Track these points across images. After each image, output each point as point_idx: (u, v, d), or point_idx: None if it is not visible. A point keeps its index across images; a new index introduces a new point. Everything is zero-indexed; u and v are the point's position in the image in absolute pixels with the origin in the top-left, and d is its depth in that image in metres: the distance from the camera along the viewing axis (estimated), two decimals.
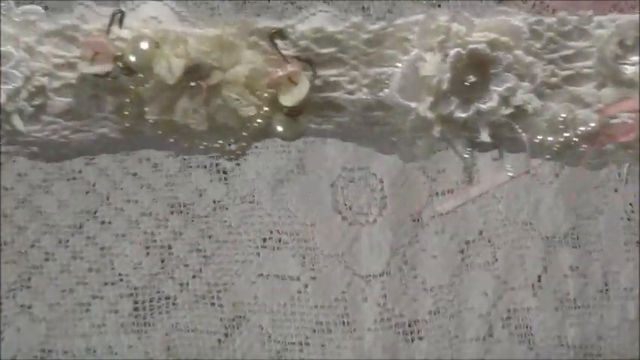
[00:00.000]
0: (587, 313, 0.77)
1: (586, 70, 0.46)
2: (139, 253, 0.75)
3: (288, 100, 0.43)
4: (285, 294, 0.75)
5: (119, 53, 0.43)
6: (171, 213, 0.76)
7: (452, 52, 0.43)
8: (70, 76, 0.44)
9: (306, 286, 0.75)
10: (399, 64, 0.44)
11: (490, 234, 0.77)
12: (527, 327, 0.76)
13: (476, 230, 0.77)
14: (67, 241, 0.75)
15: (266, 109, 0.44)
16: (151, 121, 0.44)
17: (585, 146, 0.46)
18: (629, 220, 0.78)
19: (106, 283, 0.75)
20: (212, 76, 0.44)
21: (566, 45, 0.46)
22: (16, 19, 0.44)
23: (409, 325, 0.76)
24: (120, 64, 0.43)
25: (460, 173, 0.77)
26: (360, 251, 0.76)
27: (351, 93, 0.45)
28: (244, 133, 0.45)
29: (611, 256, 0.77)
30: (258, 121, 0.44)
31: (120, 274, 0.75)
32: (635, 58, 0.45)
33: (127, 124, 0.44)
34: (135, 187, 0.75)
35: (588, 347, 0.77)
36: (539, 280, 0.77)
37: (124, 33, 0.44)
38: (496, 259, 0.77)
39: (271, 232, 0.76)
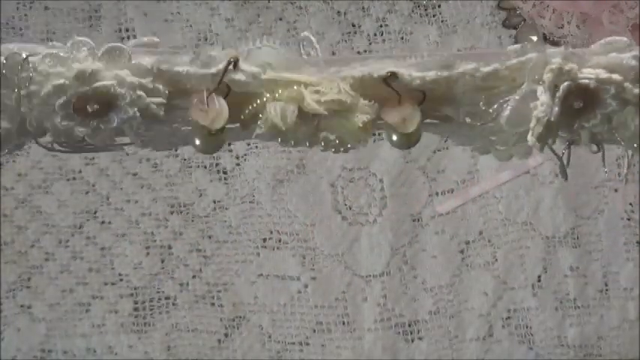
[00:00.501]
0: (587, 313, 0.77)
1: None
2: (139, 253, 0.75)
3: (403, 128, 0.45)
4: (285, 294, 0.75)
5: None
6: (171, 213, 0.76)
7: (562, 86, 0.44)
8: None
9: (306, 286, 0.75)
10: (509, 101, 0.45)
11: (490, 234, 0.77)
12: (527, 327, 0.76)
13: (476, 230, 0.77)
14: (67, 241, 0.75)
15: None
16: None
17: None
18: (629, 220, 0.78)
19: (106, 283, 0.75)
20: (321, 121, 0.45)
21: None
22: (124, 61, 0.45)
23: (409, 325, 0.76)
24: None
25: (460, 173, 0.77)
26: (360, 251, 0.76)
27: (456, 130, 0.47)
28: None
29: (611, 256, 0.77)
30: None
31: (120, 274, 0.75)
32: None
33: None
34: (135, 187, 0.75)
35: (588, 347, 0.77)
36: (539, 280, 0.77)
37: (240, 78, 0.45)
38: (496, 259, 0.77)
39: (271, 232, 0.76)
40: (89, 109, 0.43)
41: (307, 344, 0.75)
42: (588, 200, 0.78)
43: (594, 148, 0.47)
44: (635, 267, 0.77)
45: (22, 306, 0.74)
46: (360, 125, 0.45)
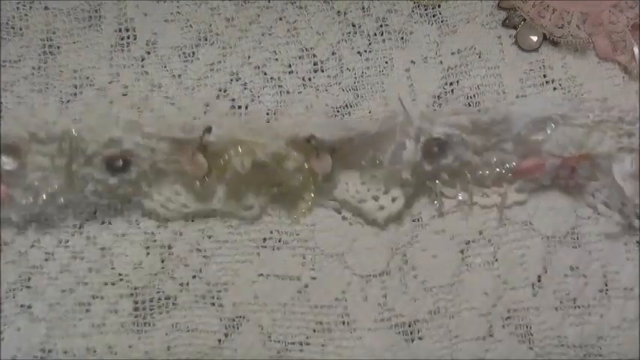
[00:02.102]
0: (587, 313, 0.77)
1: (507, 146, 0.75)
2: (139, 253, 0.75)
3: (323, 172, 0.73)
4: (285, 294, 0.75)
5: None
6: None
7: (422, 139, 0.73)
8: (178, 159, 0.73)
9: (306, 286, 0.75)
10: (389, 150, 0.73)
11: (490, 234, 0.77)
12: (527, 327, 0.76)
13: (476, 230, 0.77)
14: (67, 241, 0.75)
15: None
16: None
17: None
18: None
19: (106, 283, 0.75)
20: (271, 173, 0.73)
21: (492, 131, 0.74)
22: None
23: (409, 325, 0.76)
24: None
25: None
26: (360, 251, 0.76)
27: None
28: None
29: (611, 256, 0.77)
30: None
31: (120, 274, 0.75)
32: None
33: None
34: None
35: (588, 347, 0.77)
36: (539, 280, 0.77)
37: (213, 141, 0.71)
38: (496, 259, 0.77)
39: (271, 232, 0.76)
40: (117, 165, 0.71)
41: (307, 344, 0.75)
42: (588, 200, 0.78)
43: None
44: (635, 267, 0.77)
45: (22, 306, 0.74)
46: (292, 170, 0.71)
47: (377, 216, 0.75)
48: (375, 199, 0.75)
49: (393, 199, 0.75)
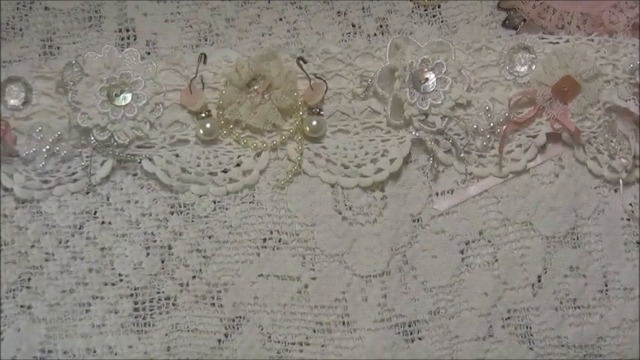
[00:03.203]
0: (587, 313, 0.77)
1: (496, 78, 0.77)
2: (139, 253, 0.75)
3: (312, 101, 0.75)
4: (285, 294, 0.75)
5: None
6: (171, 213, 0.76)
7: (409, 61, 0.75)
8: (176, 98, 0.75)
9: (306, 286, 0.75)
10: (378, 71, 0.76)
11: (490, 234, 0.77)
12: (527, 327, 0.76)
13: (476, 230, 0.77)
14: (67, 241, 0.75)
15: (299, 110, 0.75)
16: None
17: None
18: (629, 220, 0.78)
19: (106, 283, 0.75)
20: (264, 83, 0.74)
21: (479, 60, 0.77)
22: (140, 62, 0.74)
23: (409, 325, 0.76)
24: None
25: (460, 173, 0.77)
26: (360, 251, 0.76)
27: (350, 100, 0.77)
28: (290, 130, 0.75)
29: (611, 256, 0.77)
30: (296, 116, 0.75)
31: (120, 274, 0.75)
32: (522, 69, 0.76)
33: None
34: (135, 187, 0.75)
35: (588, 347, 0.77)
36: (539, 280, 0.77)
37: (209, 68, 0.75)
38: (496, 259, 0.77)
39: (271, 232, 0.76)
40: (117, 93, 0.73)
41: (307, 344, 0.75)
42: (588, 200, 0.78)
43: None
44: (635, 267, 0.77)
45: (22, 306, 0.74)
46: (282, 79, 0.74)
47: (376, 178, 0.75)
48: (374, 162, 0.75)
49: (391, 161, 0.75)
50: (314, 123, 0.74)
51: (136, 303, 0.75)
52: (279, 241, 0.76)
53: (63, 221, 0.75)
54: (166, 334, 0.75)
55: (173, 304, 0.75)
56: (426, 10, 0.82)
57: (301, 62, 0.74)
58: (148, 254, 0.75)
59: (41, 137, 0.73)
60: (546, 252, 0.77)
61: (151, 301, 0.75)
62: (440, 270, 0.76)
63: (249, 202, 0.76)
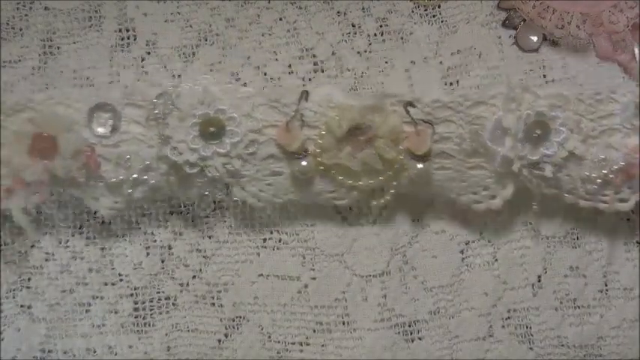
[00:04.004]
0: (587, 313, 0.77)
1: (616, 126, 0.72)
2: (139, 253, 0.75)
3: (418, 149, 0.70)
4: (285, 294, 0.75)
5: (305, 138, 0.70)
6: (171, 213, 0.76)
7: (525, 113, 0.69)
8: (272, 133, 0.71)
9: (306, 286, 0.75)
10: (490, 122, 0.70)
11: (490, 234, 0.77)
12: (527, 327, 0.76)
13: (476, 230, 0.77)
14: (67, 241, 0.75)
15: (401, 157, 0.70)
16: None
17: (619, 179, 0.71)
18: (629, 220, 0.78)
19: (106, 283, 0.75)
20: (367, 132, 0.70)
21: (600, 109, 0.72)
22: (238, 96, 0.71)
23: (409, 325, 0.76)
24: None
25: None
26: (360, 251, 0.76)
27: (458, 145, 0.71)
28: (388, 172, 0.71)
29: (611, 256, 0.77)
30: (398, 164, 0.70)
31: (120, 274, 0.75)
32: None
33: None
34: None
35: (588, 347, 0.77)
36: (539, 280, 0.77)
37: (310, 106, 0.71)
38: (496, 259, 0.77)
39: (271, 232, 0.76)
40: (211, 130, 0.69)
41: (307, 344, 0.75)
42: None
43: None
44: (635, 267, 0.77)
45: (22, 306, 0.74)
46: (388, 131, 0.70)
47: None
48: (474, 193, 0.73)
49: (491, 197, 0.73)
50: (416, 170, 0.70)
51: (136, 303, 0.75)
52: (279, 241, 0.76)
53: (63, 221, 0.75)
54: (166, 334, 0.75)
55: (173, 304, 0.75)
56: (426, 10, 0.81)
57: (409, 107, 0.70)
58: (147, 254, 0.75)
59: (129, 165, 0.70)
60: (546, 252, 0.77)
61: (151, 301, 0.75)
62: (440, 270, 0.76)
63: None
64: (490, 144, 0.70)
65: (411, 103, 0.70)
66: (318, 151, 0.70)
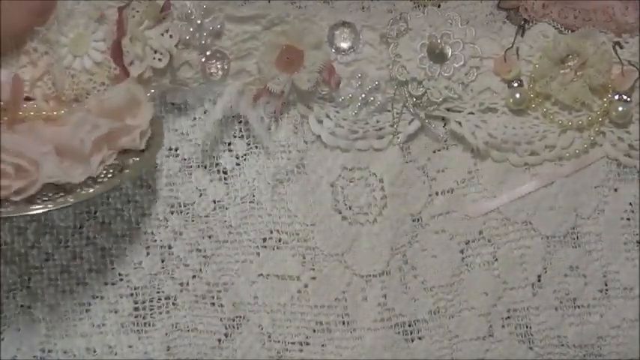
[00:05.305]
0: (587, 313, 0.77)
1: None
2: (139, 253, 0.75)
3: (621, 88, 0.75)
4: (285, 294, 0.75)
5: None
6: (171, 213, 0.76)
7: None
8: (490, 65, 0.76)
9: (306, 286, 0.75)
10: None
11: (490, 234, 0.77)
12: (527, 327, 0.76)
13: (476, 230, 0.77)
14: (67, 241, 0.75)
15: (610, 87, 0.75)
16: None
17: None
18: (629, 220, 0.78)
19: (106, 283, 0.75)
20: (580, 59, 0.74)
21: None
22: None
23: (409, 325, 0.76)
24: None
25: (460, 173, 0.77)
26: (360, 251, 0.76)
27: None
28: (596, 109, 0.75)
29: (611, 256, 0.77)
30: (604, 99, 0.75)
31: (120, 274, 0.75)
32: None
33: None
34: (135, 187, 0.75)
35: (588, 347, 0.77)
36: (539, 280, 0.77)
37: (525, 40, 0.77)
38: (496, 259, 0.77)
39: (271, 232, 0.76)
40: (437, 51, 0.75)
41: (307, 344, 0.75)
42: (588, 200, 0.78)
43: None
44: (635, 267, 0.77)
45: (22, 306, 0.74)
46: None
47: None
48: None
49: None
50: (620, 109, 0.74)
51: (135, 302, 0.75)
52: (279, 240, 0.76)
53: (63, 221, 0.75)
54: (166, 334, 0.75)
55: (173, 304, 0.75)
56: (425, 9, 0.81)
57: (617, 47, 0.74)
58: (147, 254, 0.75)
59: (359, 84, 0.74)
60: (546, 252, 0.77)
61: (151, 301, 0.75)
62: (440, 269, 0.76)
63: (249, 202, 0.76)
64: None
65: (618, 43, 0.75)
66: (531, 83, 0.75)
